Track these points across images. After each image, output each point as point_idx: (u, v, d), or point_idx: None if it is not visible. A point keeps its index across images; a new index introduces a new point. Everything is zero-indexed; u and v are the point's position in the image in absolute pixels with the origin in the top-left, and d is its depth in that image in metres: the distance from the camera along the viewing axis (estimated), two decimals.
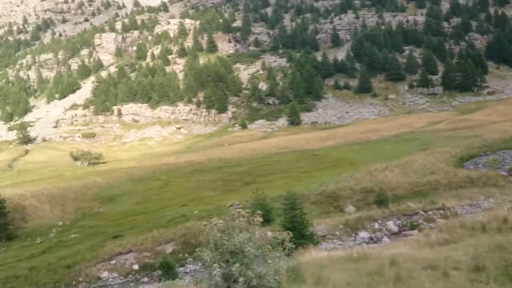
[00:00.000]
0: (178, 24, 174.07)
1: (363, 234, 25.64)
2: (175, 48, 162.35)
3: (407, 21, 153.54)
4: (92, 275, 24.76)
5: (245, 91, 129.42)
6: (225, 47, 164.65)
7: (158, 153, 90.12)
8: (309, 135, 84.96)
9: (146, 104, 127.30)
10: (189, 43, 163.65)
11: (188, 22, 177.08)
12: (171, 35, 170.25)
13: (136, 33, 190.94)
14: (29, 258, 28.92)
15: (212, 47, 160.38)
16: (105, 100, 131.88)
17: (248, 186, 41.56)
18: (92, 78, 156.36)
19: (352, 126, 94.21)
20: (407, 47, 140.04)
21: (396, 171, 37.32)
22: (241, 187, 41.34)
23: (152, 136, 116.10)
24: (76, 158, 79.12)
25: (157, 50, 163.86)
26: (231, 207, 34.67)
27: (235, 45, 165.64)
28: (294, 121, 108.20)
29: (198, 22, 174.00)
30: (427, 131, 69.38)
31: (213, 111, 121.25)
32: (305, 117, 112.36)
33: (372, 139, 65.43)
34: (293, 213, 22.28)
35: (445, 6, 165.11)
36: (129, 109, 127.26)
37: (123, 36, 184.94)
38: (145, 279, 24.28)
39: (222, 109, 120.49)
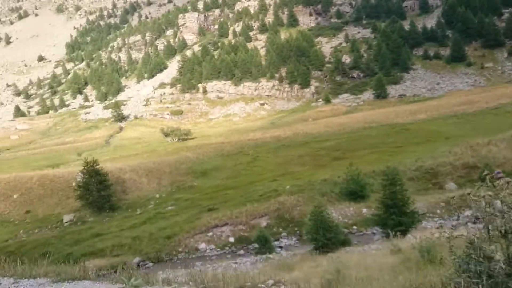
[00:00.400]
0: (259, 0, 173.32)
1: (468, 213, 23.93)
2: (256, 24, 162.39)
3: None
4: (190, 246, 25.61)
5: (328, 65, 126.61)
6: (306, 20, 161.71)
7: (243, 129, 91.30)
8: (397, 108, 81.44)
9: (229, 81, 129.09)
10: (269, 18, 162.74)
11: None
12: (252, 11, 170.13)
13: (217, 11, 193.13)
14: (131, 228, 30.56)
15: (293, 22, 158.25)
16: (190, 78, 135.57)
17: (337, 161, 40.73)
18: (178, 57, 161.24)
19: (444, 98, 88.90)
20: (507, 10, 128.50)
21: (501, 145, 34.50)
22: (330, 162, 40.58)
23: (236, 112, 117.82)
24: (166, 134, 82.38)
25: (238, 27, 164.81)
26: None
27: (316, 18, 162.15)
28: (380, 95, 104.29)
29: None
30: None
31: (296, 86, 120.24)
32: (392, 90, 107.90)
33: (468, 112, 61.18)
34: (393, 189, 21.24)
35: None
36: (214, 86, 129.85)
37: (205, 15, 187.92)
38: (241, 251, 24.63)
39: (305, 84, 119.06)
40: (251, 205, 29.15)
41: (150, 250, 25.58)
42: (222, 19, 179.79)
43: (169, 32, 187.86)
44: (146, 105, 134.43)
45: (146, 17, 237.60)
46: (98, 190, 35.34)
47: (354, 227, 25.47)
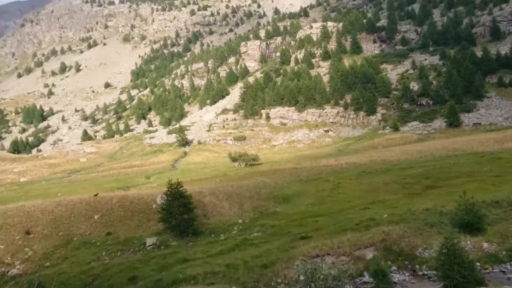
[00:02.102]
0: (321, 27, 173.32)
1: None
2: (318, 52, 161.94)
3: None
4: (290, 277, 23.60)
5: (395, 92, 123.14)
6: (370, 47, 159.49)
7: (309, 155, 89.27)
8: (477, 136, 76.73)
9: (293, 108, 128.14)
10: (332, 45, 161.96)
11: (330, 24, 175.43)
12: (314, 38, 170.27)
13: (279, 39, 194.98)
14: (220, 255, 29.02)
15: (356, 48, 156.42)
16: (253, 104, 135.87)
17: (431, 190, 37.76)
18: (240, 84, 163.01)
19: None
20: None
21: None
22: (423, 191, 37.61)
23: (300, 139, 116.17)
24: (234, 159, 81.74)
25: (300, 55, 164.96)
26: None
27: (380, 45, 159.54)
28: (453, 123, 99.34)
29: (340, 24, 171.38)
30: None
31: (362, 113, 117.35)
32: (465, 118, 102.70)
33: None
34: None
35: None
36: (277, 112, 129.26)
37: (267, 43, 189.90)
38: (349, 286, 22.34)
39: (371, 111, 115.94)
40: (349, 234, 26.85)
41: (247, 280, 23.79)
42: (283, 47, 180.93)
43: (231, 60, 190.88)
44: (209, 130, 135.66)
45: (208, 46, 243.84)
46: (181, 213, 34.30)
47: (478, 263, 22.55)
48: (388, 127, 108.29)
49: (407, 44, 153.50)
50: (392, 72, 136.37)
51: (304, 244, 27.34)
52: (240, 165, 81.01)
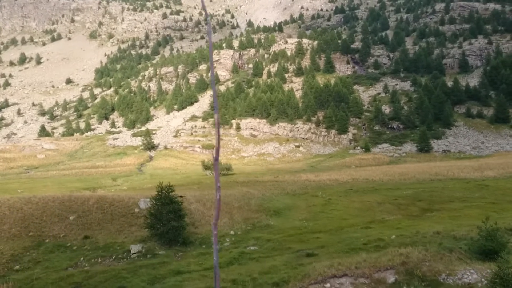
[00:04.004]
0: (296, 43, 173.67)
1: None
2: (291, 67, 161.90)
3: None
4: None
5: (366, 113, 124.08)
6: (343, 68, 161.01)
7: (282, 169, 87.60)
8: (450, 163, 77.46)
9: (264, 120, 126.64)
10: (306, 62, 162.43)
11: (305, 41, 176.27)
12: (288, 54, 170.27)
13: (252, 51, 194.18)
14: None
15: (330, 67, 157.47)
16: (224, 113, 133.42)
17: (430, 212, 36.61)
18: (210, 92, 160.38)
19: (497, 157, 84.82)
20: None
21: None
22: (422, 214, 36.38)
23: (271, 152, 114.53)
24: (206, 167, 78.93)
25: (273, 68, 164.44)
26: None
27: (353, 67, 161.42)
28: (424, 148, 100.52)
29: (316, 42, 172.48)
30: None
31: (333, 131, 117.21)
32: (435, 144, 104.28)
33: None
34: None
35: None
36: (248, 123, 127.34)
37: (240, 54, 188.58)
38: None
39: (343, 130, 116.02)
40: (364, 254, 24.94)
41: None
42: (257, 59, 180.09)
43: (203, 67, 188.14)
44: (176, 136, 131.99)
45: (178, 51, 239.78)
46: (170, 220, 31.38)
47: None
48: (359, 147, 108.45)
49: (379, 68, 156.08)
50: (364, 94, 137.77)
51: (311, 262, 25.24)
52: (212, 174, 78.20)
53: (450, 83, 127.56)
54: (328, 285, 22.48)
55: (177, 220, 31.82)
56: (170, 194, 32.11)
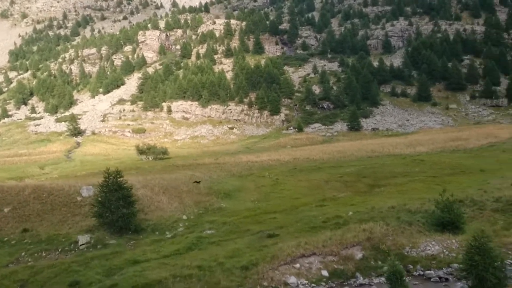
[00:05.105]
0: (224, 24, 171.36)
1: None
2: (221, 48, 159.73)
3: (464, 30, 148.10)
4: (277, 280, 20.84)
5: (298, 94, 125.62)
6: (272, 49, 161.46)
7: (218, 151, 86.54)
8: (381, 140, 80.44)
9: (196, 102, 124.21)
10: (235, 43, 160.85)
11: (233, 22, 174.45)
12: (217, 35, 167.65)
13: (179, 31, 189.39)
14: (177, 255, 25.22)
15: (259, 49, 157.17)
16: (154, 96, 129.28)
17: (377, 188, 37.53)
18: (137, 74, 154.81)
19: (422, 134, 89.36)
20: (466, 57, 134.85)
21: None
22: (371, 190, 37.23)
23: (204, 134, 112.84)
24: (141, 152, 76.00)
25: (202, 49, 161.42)
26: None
27: (282, 48, 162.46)
28: (354, 127, 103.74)
29: (244, 23, 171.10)
30: None
31: (266, 112, 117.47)
32: (364, 123, 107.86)
33: (468, 148, 60.78)
34: None
35: (502, 16, 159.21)
36: (179, 106, 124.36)
37: (166, 34, 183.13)
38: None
39: (275, 111, 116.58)
40: (328, 232, 24.87)
41: (228, 284, 20.50)
42: (185, 40, 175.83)
43: (128, 48, 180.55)
44: (103, 121, 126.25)
45: (99, 32, 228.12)
46: (119, 207, 29.50)
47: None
48: (292, 128, 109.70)
49: (308, 49, 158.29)
50: (294, 75, 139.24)
51: (276, 243, 24.82)
52: (148, 158, 75.58)
53: (375, 63, 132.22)
54: (298, 265, 22.15)
55: (127, 207, 30.09)
56: (119, 180, 30.13)
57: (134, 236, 29.59)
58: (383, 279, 21.00)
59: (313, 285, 20.87)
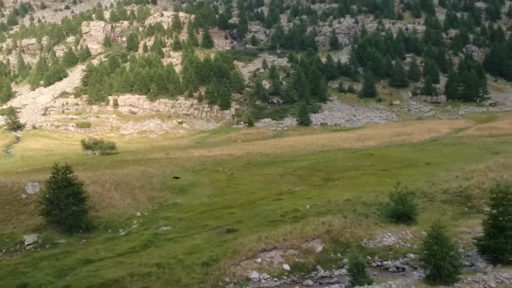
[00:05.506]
0: (172, 16, 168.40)
1: None
2: (169, 41, 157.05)
3: (407, 29, 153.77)
4: (239, 275, 20.57)
5: (248, 89, 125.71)
6: (221, 43, 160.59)
7: (168, 146, 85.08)
8: (330, 135, 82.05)
9: (144, 96, 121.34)
10: (183, 36, 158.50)
11: (182, 15, 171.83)
12: (165, 27, 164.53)
13: (125, 23, 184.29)
14: (132, 253, 24.39)
15: (208, 42, 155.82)
16: (99, 89, 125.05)
17: (331, 182, 38.07)
18: (81, 66, 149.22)
19: (369, 129, 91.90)
20: (408, 55, 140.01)
21: (502, 172, 34.52)
22: (325, 183, 37.69)
23: (152, 129, 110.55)
24: (87, 147, 73.25)
25: (150, 42, 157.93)
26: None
27: (231, 42, 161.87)
28: (304, 121, 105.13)
29: (193, 16, 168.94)
30: (464, 136, 67.71)
31: (216, 107, 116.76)
32: (313, 118, 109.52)
33: (413, 142, 63.12)
34: (506, 210, 18.85)
35: (441, 17, 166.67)
36: (126, 100, 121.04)
37: (112, 26, 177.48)
38: (309, 282, 20.29)
39: (225, 106, 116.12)
40: (288, 226, 24.87)
41: (189, 281, 20.02)
42: (131, 32, 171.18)
43: (70, 39, 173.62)
44: (45, 114, 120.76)
45: (39, 21, 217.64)
46: (69, 204, 28.11)
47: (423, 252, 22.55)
48: (242, 122, 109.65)
49: (257, 44, 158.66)
50: (244, 69, 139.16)
51: (235, 238, 24.55)
52: (95, 154, 73.01)
53: (323, 60, 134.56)
54: (259, 259, 21.98)
55: (77, 204, 28.75)
56: (68, 176, 28.73)
57: (86, 235, 28.35)
58: (343, 271, 21.29)
59: (275, 279, 20.78)
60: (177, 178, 40.13)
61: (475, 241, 20.24)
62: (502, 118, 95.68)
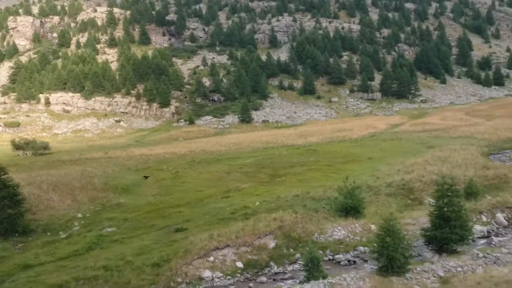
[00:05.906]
0: (107, 12, 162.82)
1: (478, 228, 23.53)
2: (103, 38, 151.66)
3: (343, 28, 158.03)
4: (191, 275, 19.92)
5: (188, 86, 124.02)
6: (159, 40, 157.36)
7: (105, 145, 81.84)
8: (273, 132, 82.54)
9: (78, 94, 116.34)
10: (119, 33, 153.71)
11: (117, 11, 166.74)
12: (99, 23, 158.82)
13: (56, 18, 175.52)
14: (76, 256, 23.08)
15: (145, 39, 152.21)
16: (29, 87, 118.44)
17: (278, 178, 38.13)
18: (8, 63, 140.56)
19: (310, 125, 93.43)
20: (345, 53, 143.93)
21: (439, 165, 36.13)
22: (272, 179, 37.67)
23: (88, 128, 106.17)
24: (18, 147, 68.96)
25: (83, 38, 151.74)
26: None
27: (169, 39, 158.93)
28: (245, 119, 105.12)
29: (128, 12, 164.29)
30: (400, 132, 70.34)
31: (155, 105, 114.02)
32: (254, 115, 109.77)
33: (353, 138, 64.76)
34: (450, 201, 19.55)
35: (374, 17, 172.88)
36: (59, 98, 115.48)
37: (41, 21, 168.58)
38: (263, 278, 20.03)
39: (165, 103, 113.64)
40: (240, 223, 24.51)
41: (140, 283, 19.12)
42: (62, 28, 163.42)
43: None
44: None
45: None
46: (4, 207, 26.14)
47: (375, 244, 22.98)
48: (182, 120, 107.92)
49: (196, 41, 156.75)
50: (183, 67, 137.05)
51: (185, 237, 23.89)
52: (26, 154, 68.94)
53: (263, 57, 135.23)
54: (212, 258, 21.46)
55: (13, 207, 26.84)
56: (3, 177, 26.74)
57: (22, 239, 26.52)
58: (296, 266, 21.28)
59: (228, 277, 20.34)
60: (146, 177, 38.90)
61: (422, 232, 20.84)
62: (432, 114, 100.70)
